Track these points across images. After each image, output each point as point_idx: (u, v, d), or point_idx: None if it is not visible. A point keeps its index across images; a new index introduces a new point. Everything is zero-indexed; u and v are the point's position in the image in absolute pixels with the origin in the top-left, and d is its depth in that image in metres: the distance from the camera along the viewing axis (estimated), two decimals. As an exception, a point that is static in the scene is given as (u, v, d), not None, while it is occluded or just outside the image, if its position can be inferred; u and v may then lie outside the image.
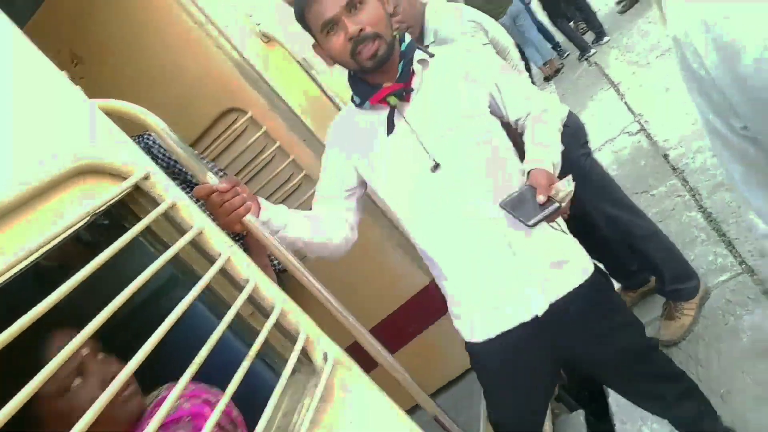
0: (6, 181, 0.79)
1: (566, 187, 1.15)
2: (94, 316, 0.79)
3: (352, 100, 1.36)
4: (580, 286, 1.33)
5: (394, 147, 1.31)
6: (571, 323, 1.33)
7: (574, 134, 2.00)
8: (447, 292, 1.43)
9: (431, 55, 1.32)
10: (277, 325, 1.07)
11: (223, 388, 0.89)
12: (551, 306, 1.31)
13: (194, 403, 1.15)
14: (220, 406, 0.87)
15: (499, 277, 1.30)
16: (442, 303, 2.04)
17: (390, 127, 1.30)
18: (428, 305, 1.95)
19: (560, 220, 1.35)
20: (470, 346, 1.44)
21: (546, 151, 1.26)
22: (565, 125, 1.98)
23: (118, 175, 0.97)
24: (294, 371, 1.09)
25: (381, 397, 1.18)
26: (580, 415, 2.10)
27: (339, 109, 1.81)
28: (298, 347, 1.05)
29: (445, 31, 1.91)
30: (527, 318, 1.32)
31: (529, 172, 1.22)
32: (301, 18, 1.27)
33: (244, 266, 1.06)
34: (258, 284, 1.06)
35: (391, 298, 1.97)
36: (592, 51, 5.68)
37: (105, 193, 0.93)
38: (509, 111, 1.35)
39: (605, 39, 5.73)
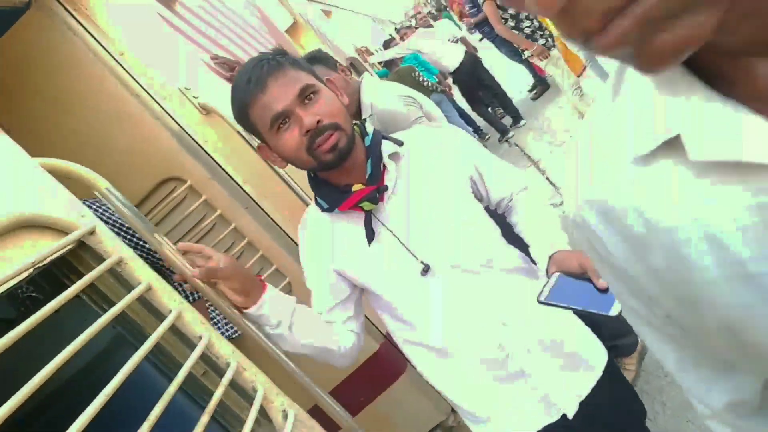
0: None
1: None
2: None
3: (317, 203, 1.19)
4: (602, 375, 1.24)
5: (377, 255, 1.16)
6: (599, 416, 1.22)
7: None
8: (460, 401, 1.26)
9: (400, 144, 1.18)
10: (233, 384, 1.01)
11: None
12: (581, 405, 1.19)
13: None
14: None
15: (518, 377, 1.17)
16: (392, 369, 2.01)
17: (369, 236, 1.15)
18: (379, 371, 1.91)
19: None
20: None
21: (554, 230, 1.18)
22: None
23: (61, 231, 0.92)
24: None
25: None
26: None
27: (280, 177, 1.82)
28: (256, 405, 0.99)
29: (381, 104, 2.00)
30: (557, 418, 1.19)
31: (551, 257, 1.11)
32: (244, 115, 1.09)
33: (197, 323, 1.01)
34: (212, 340, 1.01)
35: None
36: (511, 133, 6.09)
37: (48, 245, 0.87)
38: (492, 193, 1.24)
39: (522, 122, 6.18)
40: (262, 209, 1.85)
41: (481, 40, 7.54)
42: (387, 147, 1.15)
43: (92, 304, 1.01)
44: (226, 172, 1.81)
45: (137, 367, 0.88)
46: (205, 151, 1.79)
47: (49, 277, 1.03)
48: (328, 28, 5.33)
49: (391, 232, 1.15)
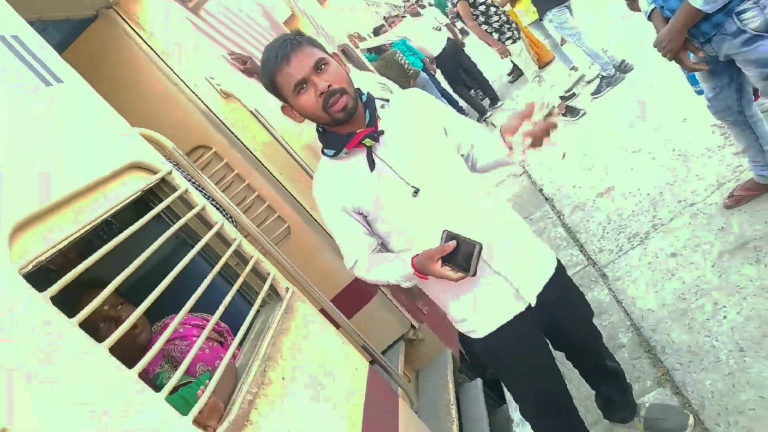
0: (92, 170, 1.33)
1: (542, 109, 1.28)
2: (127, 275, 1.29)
3: (324, 153, 1.50)
4: (555, 272, 1.63)
5: (376, 182, 1.45)
6: (555, 303, 1.61)
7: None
8: (445, 300, 1.64)
9: (387, 100, 1.56)
10: (254, 270, 1.63)
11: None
12: (539, 296, 1.57)
13: (186, 328, 1.66)
14: (210, 325, 1.38)
15: (489, 278, 1.52)
16: (365, 293, 2.62)
17: (371, 165, 1.45)
18: (356, 294, 2.53)
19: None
20: (481, 342, 1.63)
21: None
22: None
23: (152, 172, 1.52)
24: (265, 303, 1.64)
25: (329, 326, 1.75)
26: (478, 382, 2.69)
27: (282, 146, 2.42)
28: (268, 283, 1.61)
29: (361, 86, 2.60)
30: (522, 309, 1.56)
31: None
32: (272, 84, 1.40)
33: (233, 231, 1.62)
34: (242, 243, 1.62)
35: (330, 288, 2.53)
36: (489, 113, 6.67)
37: (144, 180, 1.48)
38: (462, 141, 1.56)
39: (499, 103, 6.76)
40: (269, 170, 2.45)
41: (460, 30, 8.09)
42: (378, 103, 1.50)
43: (167, 220, 1.61)
44: (242, 142, 2.41)
45: (194, 258, 1.48)
46: (226, 126, 2.39)
47: (138, 203, 1.63)
48: (322, 15, 5.85)
49: (387, 164, 1.45)
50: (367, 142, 1.44)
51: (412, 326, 2.69)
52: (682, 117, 3.46)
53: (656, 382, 2.09)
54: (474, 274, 1.35)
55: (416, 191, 1.45)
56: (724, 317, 2.09)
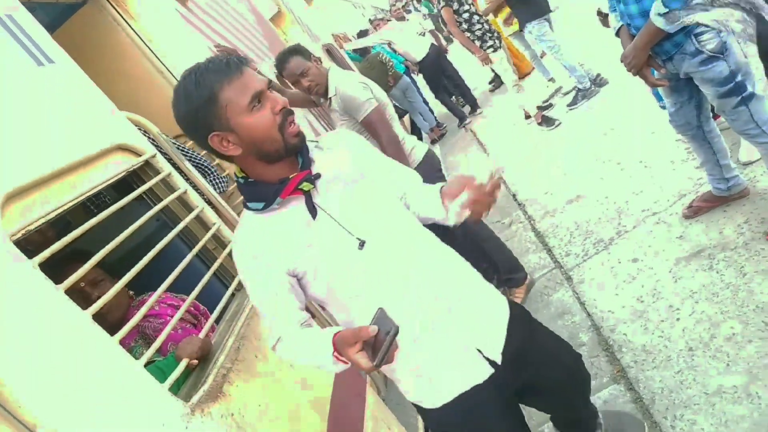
0: (80, 148, 1.38)
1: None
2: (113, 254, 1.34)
3: (247, 207, 1.24)
4: (510, 319, 1.39)
5: (315, 233, 1.22)
6: (523, 354, 1.37)
7: (431, 163, 2.79)
8: (392, 365, 1.31)
9: (317, 142, 1.32)
10: (231, 254, 1.69)
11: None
12: (503, 352, 1.33)
13: (162, 307, 1.71)
14: (183, 306, 1.45)
15: (444, 340, 1.28)
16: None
17: (313, 213, 1.21)
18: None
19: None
20: (429, 413, 1.38)
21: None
22: (423, 160, 2.77)
23: (137, 153, 1.58)
24: (240, 287, 1.71)
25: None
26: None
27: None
28: (245, 266, 1.67)
29: (343, 86, 2.67)
30: (486, 373, 1.32)
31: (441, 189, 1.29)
32: (210, 100, 1.10)
33: (213, 215, 1.68)
34: (221, 227, 1.69)
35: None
36: (468, 120, 6.80)
37: (130, 161, 1.53)
38: (402, 186, 1.40)
39: (478, 110, 6.90)
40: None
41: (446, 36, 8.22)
42: (310, 145, 1.27)
43: (149, 202, 1.66)
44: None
45: (173, 240, 1.54)
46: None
47: (121, 184, 1.68)
48: (308, 14, 5.92)
49: (327, 212, 1.22)
50: (305, 186, 1.20)
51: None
52: (651, 130, 3.61)
53: (612, 379, 2.20)
54: (377, 366, 1.08)
55: (362, 244, 1.23)
56: (677, 319, 2.21)
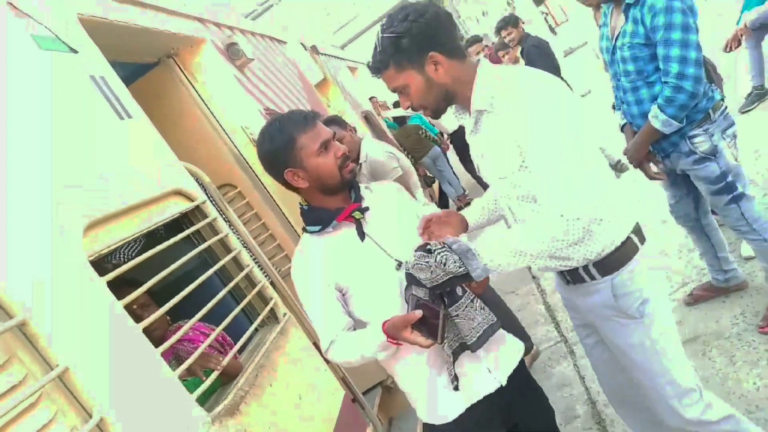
0: (146, 191, 1.64)
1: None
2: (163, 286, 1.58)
3: (306, 230, 1.56)
4: (521, 360, 1.61)
5: (364, 256, 1.50)
6: (521, 392, 1.58)
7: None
8: (406, 375, 1.58)
9: (368, 187, 1.67)
10: (259, 293, 1.91)
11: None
12: (509, 378, 1.53)
13: (195, 333, 1.92)
14: (213, 335, 1.67)
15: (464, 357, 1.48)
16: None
17: (362, 236, 1.51)
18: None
19: None
20: (438, 429, 1.55)
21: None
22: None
23: (190, 199, 1.84)
24: (263, 324, 1.92)
25: (316, 353, 2.01)
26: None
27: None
28: (270, 305, 1.89)
29: (373, 153, 2.96)
30: (493, 387, 1.51)
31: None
32: (290, 143, 1.47)
33: (248, 257, 1.92)
34: (253, 269, 1.92)
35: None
36: (494, 191, 7.04)
37: (183, 205, 1.79)
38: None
39: (505, 184, 7.15)
40: (283, 213, 2.77)
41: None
42: (361, 185, 1.64)
43: (195, 241, 1.91)
44: (263, 185, 2.75)
45: (211, 275, 1.77)
46: (252, 170, 2.73)
47: (173, 225, 1.94)
48: (351, 83, 6.35)
49: (372, 238, 1.53)
50: (357, 214, 1.52)
51: (391, 373, 2.91)
52: (662, 219, 3.78)
53: (602, 452, 2.30)
54: (441, 342, 1.35)
55: (399, 264, 1.50)
56: (669, 400, 2.33)
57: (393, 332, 1.38)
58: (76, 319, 1.15)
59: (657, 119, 2.06)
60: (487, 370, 1.52)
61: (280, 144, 1.49)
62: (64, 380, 1.05)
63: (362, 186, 1.64)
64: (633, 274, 1.42)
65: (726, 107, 2.15)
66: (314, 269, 1.53)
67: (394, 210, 1.62)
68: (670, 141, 2.14)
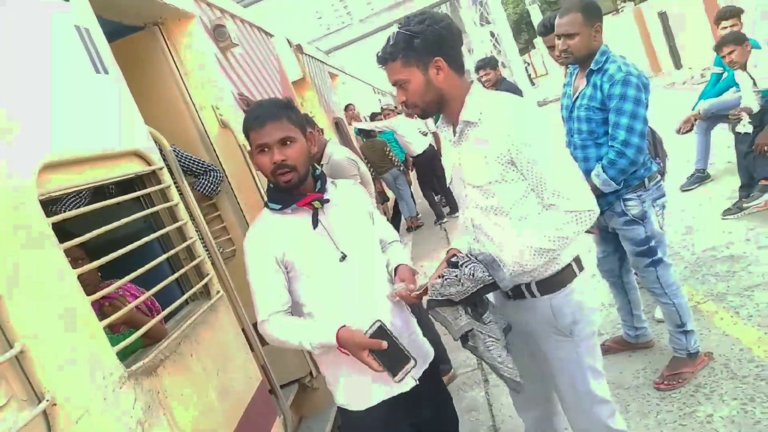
0: (107, 145, 1.67)
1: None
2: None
3: (267, 206, 1.72)
4: (432, 361, 1.82)
5: (313, 241, 1.66)
6: (430, 395, 1.77)
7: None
8: (330, 362, 1.73)
9: (333, 182, 1.82)
10: (197, 267, 1.95)
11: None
12: (421, 377, 1.71)
13: (125, 293, 1.94)
14: (144, 296, 1.71)
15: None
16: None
17: (315, 223, 1.67)
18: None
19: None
20: (352, 415, 1.74)
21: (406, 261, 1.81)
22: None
23: (149, 163, 1.88)
24: (195, 297, 1.96)
25: (242, 337, 2.06)
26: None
27: (255, 181, 2.80)
28: (205, 280, 1.94)
29: (336, 156, 3.06)
30: (409, 386, 1.67)
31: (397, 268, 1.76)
32: (246, 133, 1.70)
33: (192, 231, 1.96)
34: (196, 242, 1.96)
35: (251, 313, 2.81)
36: (445, 219, 7.24)
37: (140, 168, 1.83)
38: (379, 233, 1.86)
39: (456, 214, 7.36)
40: (236, 198, 2.82)
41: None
42: (328, 180, 1.80)
43: (143, 204, 1.94)
44: (222, 166, 2.79)
45: (151, 244, 1.81)
46: (214, 149, 2.77)
47: (126, 186, 1.96)
48: (329, 89, 6.44)
49: (324, 227, 1.68)
50: (316, 204, 1.67)
51: (311, 373, 2.97)
52: (591, 272, 4.01)
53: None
54: (398, 381, 1.53)
55: (344, 257, 1.67)
56: None
57: (349, 346, 1.53)
58: (16, 251, 1.18)
59: (598, 178, 2.23)
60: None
61: (244, 128, 1.71)
62: (-6, 305, 1.08)
63: (329, 180, 1.78)
64: (568, 297, 1.60)
65: (660, 179, 2.35)
66: (266, 240, 1.68)
67: (352, 207, 1.78)
68: (606, 200, 2.32)
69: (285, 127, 1.64)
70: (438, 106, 1.60)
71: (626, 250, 2.43)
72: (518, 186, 1.52)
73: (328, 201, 1.70)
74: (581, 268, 1.64)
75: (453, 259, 1.54)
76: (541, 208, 1.53)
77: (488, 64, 5.14)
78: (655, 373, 2.63)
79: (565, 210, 1.47)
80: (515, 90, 5.30)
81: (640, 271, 2.41)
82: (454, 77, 1.57)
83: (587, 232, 2.47)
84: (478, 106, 1.55)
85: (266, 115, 1.64)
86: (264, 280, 1.68)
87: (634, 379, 2.67)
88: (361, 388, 1.70)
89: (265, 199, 1.75)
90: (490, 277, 1.49)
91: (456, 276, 1.48)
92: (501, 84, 5.19)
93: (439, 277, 1.53)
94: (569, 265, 1.60)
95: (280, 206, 1.69)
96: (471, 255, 1.55)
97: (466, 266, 1.49)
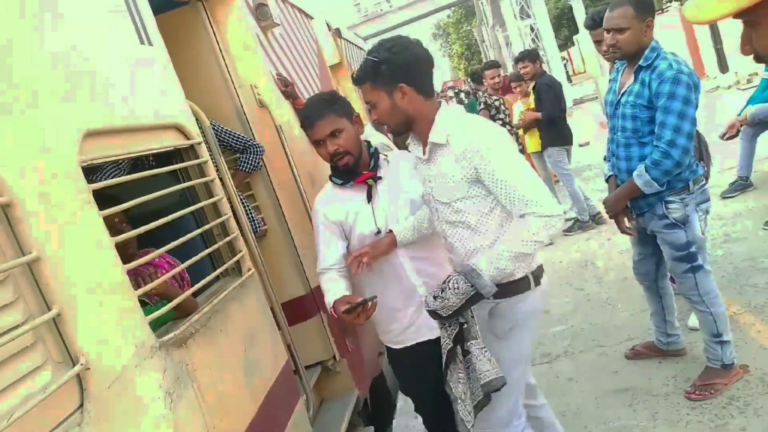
0: (148, 116, 1.68)
1: None
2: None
3: (332, 179, 2.08)
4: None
5: (361, 214, 2.00)
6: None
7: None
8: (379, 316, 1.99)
9: (386, 156, 2.11)
10: (230, 243, 1.96)
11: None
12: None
13: (160, 261, 1.96)
14: (179, 268, 1.72)
15: (416, 306, 2.01)
16: (307, 311, 2.91)
17: (369, 198, 2.01)
18: (299, 308, 2.83)
19: None
20: (390, 350, 2.20)
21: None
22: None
23: (188, 137, 1.88)
24: (226, 273, 1.96)
25: (269, 314, 2.06)
26: (369, 430, 2.95)
27: (289, 163, 2.79)
28: (237, 257, 1.94)
29: (372, 142, 3.02)
30: (435, 335, 1.94)
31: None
32: (303, 130, 2.09)
33: (227, 208, 1.96)
34: (230, 218, 1.96)
35: (282, 293, 2.82)
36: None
37: (179, 141, 1.83)
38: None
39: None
40: (270, 178, 2.81)
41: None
42: (381, 156, 2.09)
43: (181, 179, 1.95)
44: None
45: (186, 217, 1.81)
46: (251, 129, 2.77)
47: (164, 159, 1.97)
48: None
49: (372, 204, 2.00)
50: (370, 182, 2.00)
51: (334, 357, 2.97)
52: (623, 276, 3.92)
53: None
54: (347, 312, 1.80)
55: (378, 231, 1.98)
56: (588, 441, 2.43)
57: (335, 304, 1.88)
58: (57, 215, 1.19)
59: (641, 178, 2.16)
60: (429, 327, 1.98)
61: (301, 123, 2.08)
62: (33, 268, 1.09)
63: (382, 157, 2.06)
64: (513, 305, 1.73)
65: (705, 183, 2.27)
66: (329, 207, 2.04)
67: (400, 181, 2.03)
68: (647, 201, 2.25)
69: (331, 121, 1.94)
70: (407, 126, 1.78)
71: (665, 255, 2.36)
72: (483, 202, 1.68)
73: (380, 178, 1.99)
74: (538, 282, 1.76)
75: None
76: (511, 220, 1.67)
77: (527, 56, 5.05)
78: (686, 382, 2.56)
79: (539, 215, 1.57)
80: (555, 84, 5.20)
81: (678, 277, 2.34)
82: (420, 101, 1.74)
83: (624, 232, 2.42)
84: (445, 128, 1.71)
85: (313, 116, 1.98)
86: (323, 239, 2.05)
87: (664, 387, 2.60)
88: (394, 335, 2.11)
89: (329, 173, 2.11)
90: (472, 288, 1.57)
91: (442, 291, 1.61)
92: (541, 77, 5.09)
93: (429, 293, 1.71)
94: (526, 276, 1.73)
95: (341, 182, 2.03)
96: (454, 271, 1.68)
97: (450, 280, 1.61)
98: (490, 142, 1.63)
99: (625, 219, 2.35)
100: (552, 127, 5.17)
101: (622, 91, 2.31)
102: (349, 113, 1.97)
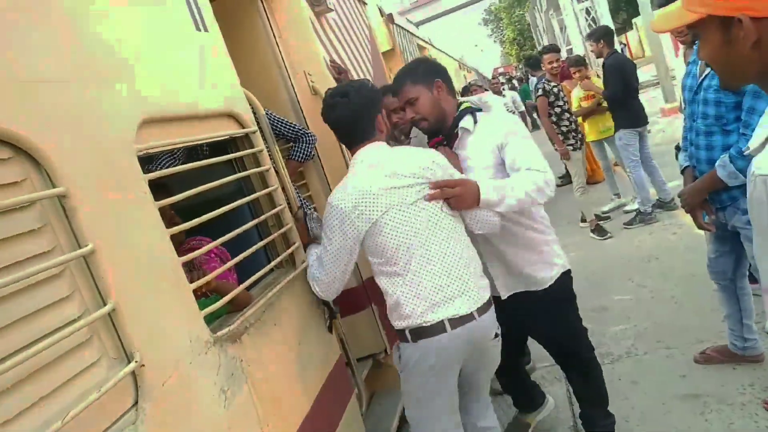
0: (203, 104, 1.63)
1: None
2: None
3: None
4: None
5: None
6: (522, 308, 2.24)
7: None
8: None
9: (476, 122, 2.08)
10: (284, 235, 1.91)
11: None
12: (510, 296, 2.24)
13: (211, 256, 1.93)
14: (233, 261, 1.67)
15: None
16: (359, 303, 2.86)
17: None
18: (352, 300, 2.78)
19: None
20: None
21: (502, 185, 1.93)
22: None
23: (243, 125, 1.83)
24: (280, 265, 1.92)
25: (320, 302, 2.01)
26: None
27: (342, 151, 2.73)
28: (291, 249, 1.89)
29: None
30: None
31: None
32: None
33: (282, 199, 1.91)
34: (285, 209, 1.91)
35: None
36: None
37: (234, 129, 1.79)
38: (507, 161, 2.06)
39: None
40: (322, 167, 2.77)
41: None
42: (464, 123, 2.07)
43: (235, 168, 1.91)
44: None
45: (241, 207, 1.77)
46: (304, 116, 2.72)
47: (218, 148, 1.94)
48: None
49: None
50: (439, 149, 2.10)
51: (385, 350, 2.92)
52: (691, 272, 3.69)
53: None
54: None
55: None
56: (654, 449, 2.28)
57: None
58: (113, 206, 1.15)
59: (724, 169, 1.99)
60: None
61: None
62: (89, 261, 1.06)
63: (461, 127, 2.07)
64: (415, 347, 1.77)
65: (797, 176, 2.06)
66: None
67: (478, 146, 2.06)
68: (730, 194, 2.06)
69: (407, 90, 2.09)
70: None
71: (747, 252, 2.17)
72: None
73: (444, 144, 2.10)
74: (454, 327, 1.74)
75: None
76: None
77: (591, 35, 4.83)
78: (765, 391, 2.37)
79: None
80: (624, 61, 4.96)
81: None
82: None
83: (701, 228, 2.24)
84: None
85: (394, 87, 2.19)
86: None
87: (740, 395, 2.42)
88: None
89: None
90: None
91: None
92: (610, 57, 4.87)
93: None
94: (442, 321, 1.74)
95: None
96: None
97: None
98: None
99: (704, 213, 2.17)
100: (620, 108, 4.92)
101: (703, 76, 2.12)
102: (427, 81, 2.07)
